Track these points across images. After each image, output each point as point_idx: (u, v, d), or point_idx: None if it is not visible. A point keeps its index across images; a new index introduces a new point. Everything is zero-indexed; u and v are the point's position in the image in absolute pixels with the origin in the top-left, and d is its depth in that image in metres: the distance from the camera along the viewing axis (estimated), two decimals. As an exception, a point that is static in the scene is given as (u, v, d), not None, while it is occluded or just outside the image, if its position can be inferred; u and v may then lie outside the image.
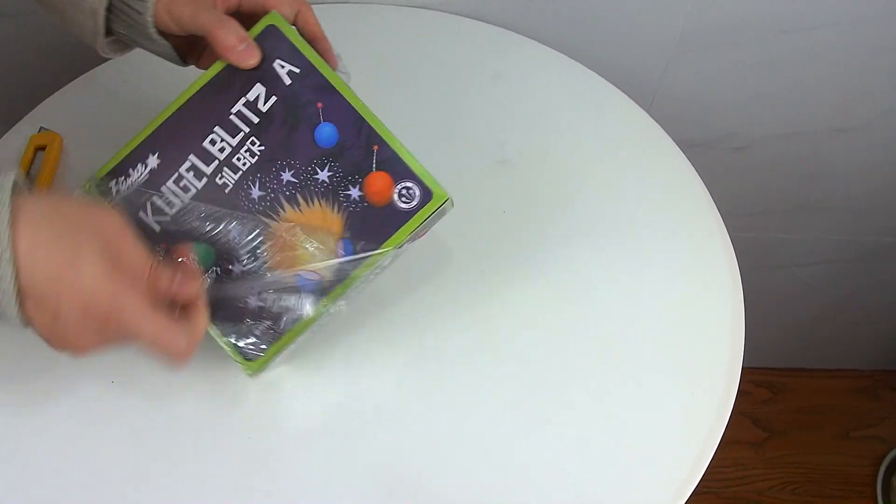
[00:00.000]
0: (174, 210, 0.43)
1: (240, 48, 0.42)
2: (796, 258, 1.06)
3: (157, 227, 0.43)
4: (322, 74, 0.43)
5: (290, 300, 0.42)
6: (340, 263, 0.41)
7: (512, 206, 0.57)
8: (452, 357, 0.49)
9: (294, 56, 0.43)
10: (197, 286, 0.38)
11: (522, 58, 0.69)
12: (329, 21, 0.70)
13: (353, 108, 0.42)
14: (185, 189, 0.43)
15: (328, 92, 0.43)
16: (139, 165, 0.43)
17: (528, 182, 0.58)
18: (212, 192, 0.43)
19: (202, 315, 0.38)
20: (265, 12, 0.43)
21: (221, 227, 0.42)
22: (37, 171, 0.56)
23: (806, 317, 1.18)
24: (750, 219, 0.98)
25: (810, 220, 0.99)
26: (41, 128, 0.59)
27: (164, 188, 0.43)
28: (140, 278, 0.35)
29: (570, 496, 0.43)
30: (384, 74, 0.66)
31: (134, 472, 0.44)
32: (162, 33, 0.43)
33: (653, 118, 0.65)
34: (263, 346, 0.43)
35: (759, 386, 1.26)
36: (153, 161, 0.43)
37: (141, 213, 0.43)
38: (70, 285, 0.32)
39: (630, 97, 0.66)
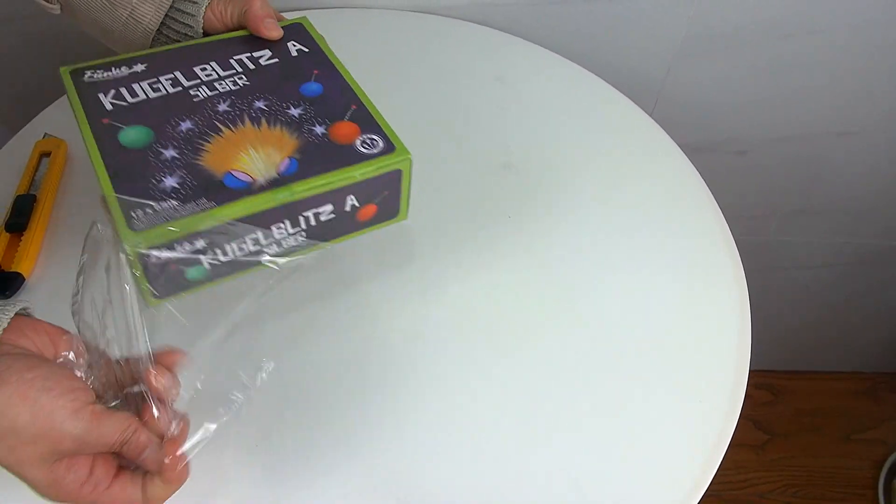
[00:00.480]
0: (138, 99, 0.42)
1: (268, 21, 0.46)
2: (797, 261, 1.06)
3: (109, 106, 0.42)
4: (332, 61, 0.45)
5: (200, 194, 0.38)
6: (280, 174, 0.38)
7: (517, 211, 0.57)
8: (456, 362, 0.49)
9: (309, 45, 0.46)
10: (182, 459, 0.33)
11: (525, 62, 0.69)
12: (333, 26, 0.70)
13: (346, 82, 0.44)
14: (156, 90, 0.42)
15: (328, 68, 0.45)
16: (123, 67, 0.44)
17: (533, 186, 0.59)
18: (180, 99, 0.42)
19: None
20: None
21: (177, 117, 0.41)
22: (41, 177, 0.56)
23: (807, 319, 1.18)
24: (751, 222, 0.98)
25: (811, 223, 0.99)
26: (46, 134, 0.59)
27: (135, 85, 0.42)
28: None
29: (576, 501, 0.43)
30: (388, 79, 0.66)
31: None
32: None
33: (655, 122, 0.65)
34: (158, 221, 0.36)
35: (760, 388, 1.26)
36: (139, 66, 0.44)
37: (100, 95, 0.42)
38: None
39: (633, 101, 0.66)
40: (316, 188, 0.39)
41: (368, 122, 0.42)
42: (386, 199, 0.43)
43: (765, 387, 1.27)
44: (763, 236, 1.01)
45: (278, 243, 0.40)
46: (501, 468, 0.44)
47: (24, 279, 0.50)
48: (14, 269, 0.50)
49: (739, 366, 0.49)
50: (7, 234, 0.52)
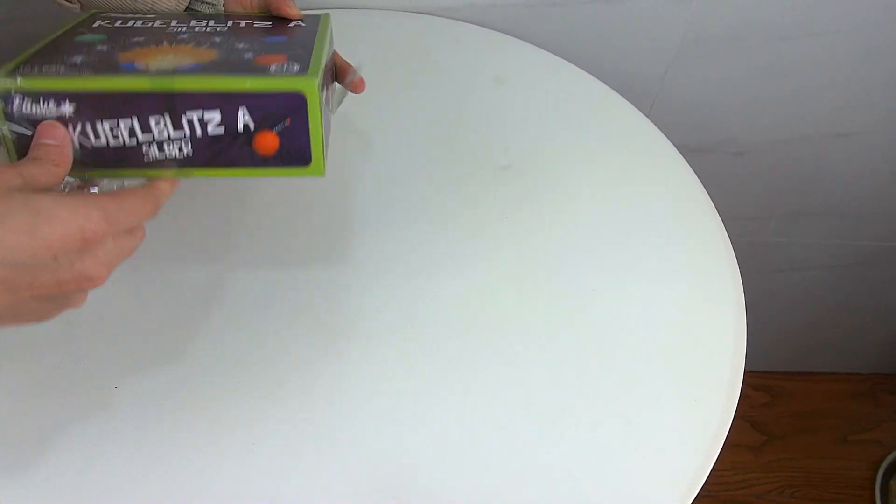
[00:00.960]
0: (124, 25, 0.43)
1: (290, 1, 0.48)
2: (795, 263, 1.06)
3: (96, 24, 0.43)
4: (317, 35, 0.44)
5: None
6: (174, 69, 0.36)
7: (515, 211, 0.57)
8: (454, 362, 0.49)
9: (312, 26, 0.46)
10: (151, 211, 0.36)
11: (524, 63, 0.69)
12: (334, 27, 0.70)
13: (312, 47, 0.41)
14: (144, 24, 0.44)
15: (308, 35, 0.44)
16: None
17: (531, 186, 0.59)
18: (156, 31, 0.43)
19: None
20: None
21: (136, 35, 0.41)
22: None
23: (804, 321, 1.18)
24: (749, 223, 0.98)
25: (809, 224, 1.00)
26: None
27: (133, 20, 0.44)
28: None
29: (573, 501, 0.43)
30: (387, 79, 0.66)
31: (134, 477, 0.44)
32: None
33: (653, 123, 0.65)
34: (33, 73, 0.35)
35: (758, 390, 1.27)
36: (158, 22, 0.44)
37: (99, 19, 0.43)
38: None
39: (630, 103, 0.66)
40: (199, 85, 0.36)
41: (299, 57, 0.38)
42: (289, 132, 0.38)
43: (763, 388, 1.27)
44: (761, 238, 1.02)
45: (159, 145, 0.37)
46: (496, 467, 0.44)
47: None
48: None
49: (735, 365, 0.49)
50: None
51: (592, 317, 0.51)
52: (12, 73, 0.35)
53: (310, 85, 0.36)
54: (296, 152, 0.38)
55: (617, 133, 0.64)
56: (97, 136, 0.36)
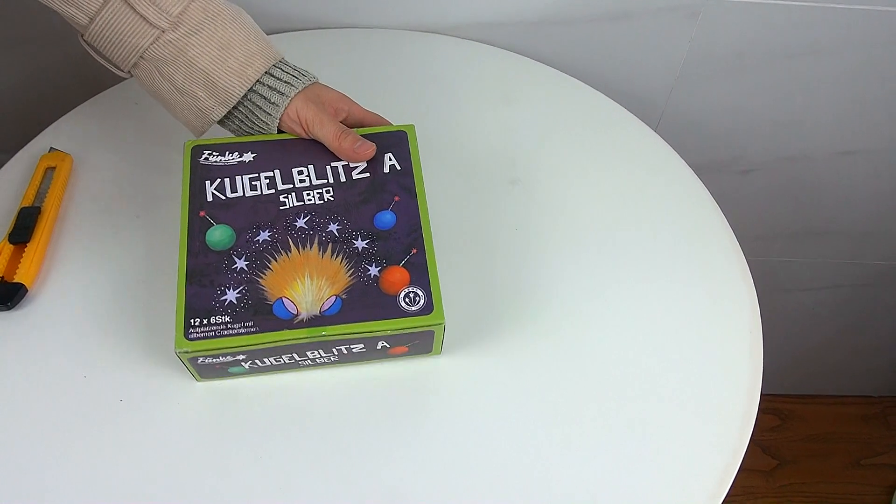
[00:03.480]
0: (235, 195, 0.48)
1: (357, 146, 0.48)
2: (803, 283, 1.05)
3: (210, 198, 0.47)
4: (415, 184, 0.48)
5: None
6: (322, 312, 0.43)
7: (524, 224, 0.56)
8: (462, 373, 0.48)
9: (404, 159, 0.49)
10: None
11: (531, 80, 0.69)
12: (340, 46, 0.71)
13: (419, 217, 0.47)
14: (253, 188, 0.48)
15: (409, 195, 0.48)
16: (235, 154, 0.49)
17: (540, 200, 0.58)
18: (269, 204, 0.47)
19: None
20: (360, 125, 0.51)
21: (259, 225, 0.46)
22: (46, 189, 0.55)
23: (812, 342, 1.17)
24: (756, 242, 0.98)
25: (817, 243, 0.99)
26: (51, 148, 0.59)
27: (238, 178, 0.48)
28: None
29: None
30: (396, 98, 0.66)
31: (137, 489, 0.43)
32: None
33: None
34: (207, 335, 0.42)
35: (767, 413, 1.25)
36: (249, 156, 0.49)
37: (207, 182, 0.48)
38: None
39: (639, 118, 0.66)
40: (348, 334, 0.43)
41: (420, 272, 0.45)
42: (417, 345, 0.46)
43: (772, 411, 1.25)
44: (767, 257, 1.01)
45: (313, 361, 0.46)
46: (509, 481, 0.43)
47: (26, 290, 0.50)
48: (17, 279, 0.49)
49: (752, 386, 0.48)
50: (11, 245, 0.51)
51: (603, 332, 0.51)
52: (185, 337, 0.42)
53: (438, 326, 0.44)
54: (420, 351, 0.47)
55: (626, 148, 0.64)
56: (263, 363, 0.45)
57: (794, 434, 1.24)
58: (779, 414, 1.25)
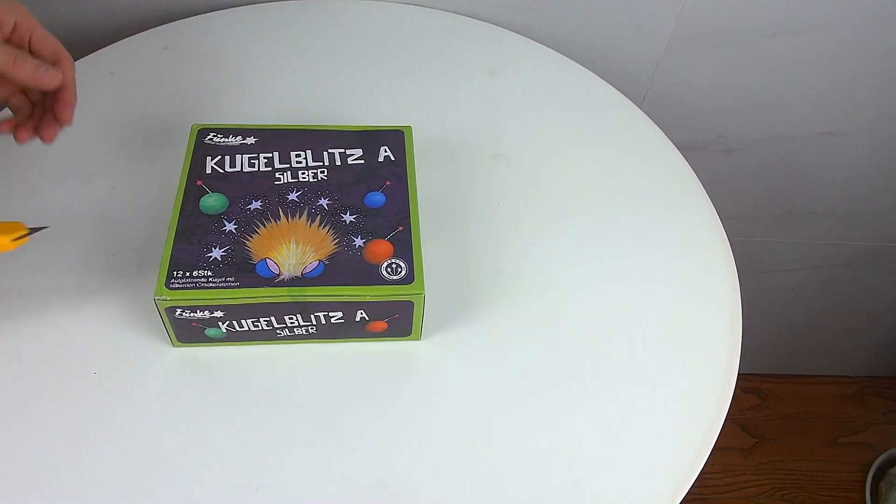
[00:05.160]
0: (233, 170, 0.49)
1: (38, 74, 0.44)
2: (784, 263, 1.06)
3: (209, 170, 0.49)
4: (407, 174, 0.49)
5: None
6: (303, 274, 0.43)
7: (506, 199, 0.56)
8: (443, 349, 0.48)
9: (399, 153, 0.51)
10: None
11: (517, 54, 0.69)
12: (324, 17, 0.70)
13: (408, 202, 0.48)
14: (251, 165, 0.49)
15: (401, 182, 0.49)
16: (239, 137, 0.51)
17: (522, 175, 0.58)
18: (266, 179, 0.48)
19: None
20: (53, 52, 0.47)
21: (253, 195, 0.47)
22: None
23: (793, 323, 1.18)
24: (738, 222, 0.98)
25: (798, 224, 1.00)
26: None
27: (238, 156, 0.50)
28: None
29: (567, 491, 0.42)
30: (380, 71, 0.65)
31: (131, 478, 0.42)
32: None
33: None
34: (188, 286, 0.43)
35: (748, 392, 1.26)
36: (251, 139, 0.51)
37: (208, 157, 0.49)
38: None
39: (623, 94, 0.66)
40: (327, 296, 0.43)
41: (405, 246, 0.45)
42: (396, 321, 0.46)
43: (752, 391, 1.27)
44: (749, 237, 1.01)
45: (290, 329, 0.46)
46: (490, 455, 0.43)
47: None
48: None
49: (730, 360, 0.49)
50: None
51: (582, 305, 0.51)
52: (165, 286, 0.42)
53: (418, 296, 0.44)
54: (400, 331, 0.47)
55: (609, 124, 0.63)
56: (241, 326, 0.45)
57: (773, 413, 1.26)
58: (758, 393, 1.27)
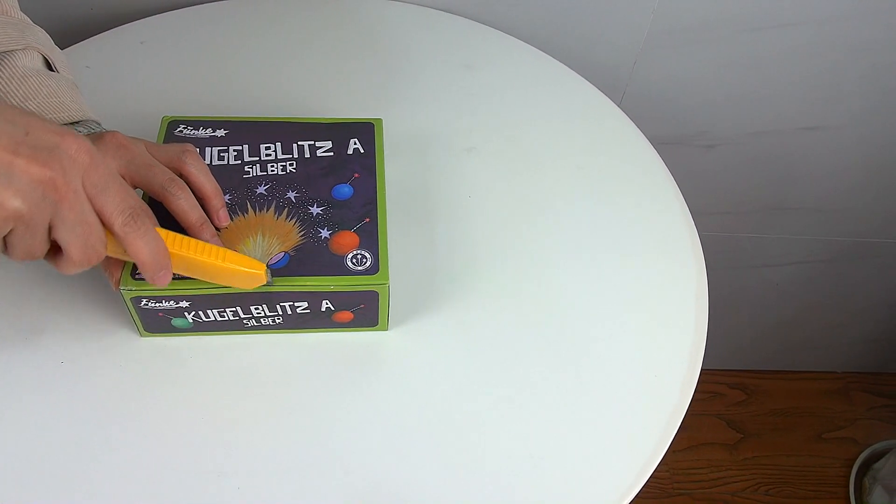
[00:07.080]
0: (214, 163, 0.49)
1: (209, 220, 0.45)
2: (767, 259, 1.07)
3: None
4: (376, 165, 0.50)
5: None
6: (269, 265, 0.44)
7: (477, 192, 0.57)
8: (412, 335, 0.48)
9: (368, 145, 0.51)
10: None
11: (495, 50, 0.69)
12: (301, 12, 0.70)
13: (376, 193, 0.48)
14: (221, 158, 0.49)
15: (369, 175, 0.49)
16: (209, 129, 0.51)
17: (494, 168, 0.58)
18: (235, 173, 0.49)
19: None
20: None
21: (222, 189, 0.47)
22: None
23: (778, 318, 1.19)
24: (721, 218, 0.99)
25: (781, 220, 1.00)
26: None
27: (208, 149, 0.50)
28: None
29: (533, 476, 0.43)
30: (355, 65, 0.65)
31: (98, 466, 0.43)
32: None
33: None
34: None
35: (733, 388, 1.27)
36: (221, 132, 0.51)
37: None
38: None
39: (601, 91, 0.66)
40: (292, 286, 0.44)
41: (370, 238, 0.46)
42: (362, 311, 0.46)
43: (738, 386, 1.27)
44: (734, 233, 1.02)
45: (256, 319, 0.46)
46: (456, 442, 0.44)
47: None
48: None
49: (694, 351, 0.49)
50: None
51: (551, 296, 0.51)
52: (131, 276, 0.42)
53: (383, 287, 0.44)
54: (366, 321, 0.47)
55: (583, 118, 0.64)
56: (207, 316, 0.45)
57: (759, 408, 1.26)
58: (744, 389, 1.27)
